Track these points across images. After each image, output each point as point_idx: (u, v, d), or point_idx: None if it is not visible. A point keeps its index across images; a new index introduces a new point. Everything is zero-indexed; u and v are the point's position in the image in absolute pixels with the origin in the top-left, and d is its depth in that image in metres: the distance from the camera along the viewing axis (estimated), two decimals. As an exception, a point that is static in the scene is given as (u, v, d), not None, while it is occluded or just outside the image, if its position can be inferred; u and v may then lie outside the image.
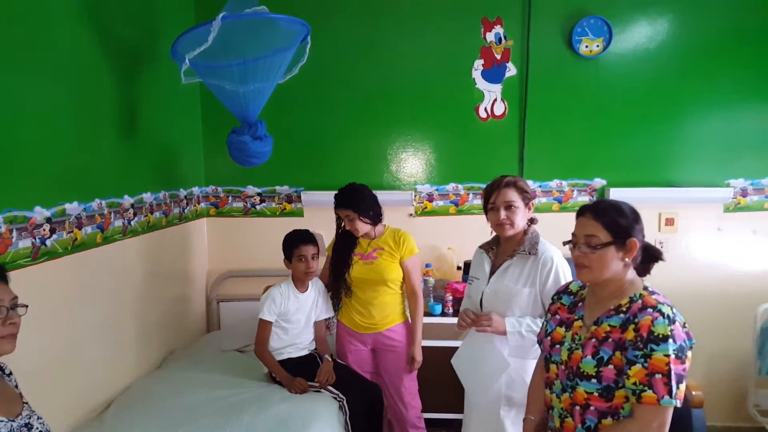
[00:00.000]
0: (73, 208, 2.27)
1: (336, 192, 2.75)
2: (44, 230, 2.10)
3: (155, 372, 2.89)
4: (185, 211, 3.34)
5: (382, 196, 2.86)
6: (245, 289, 3.60)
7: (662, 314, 1.44)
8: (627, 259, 1.55)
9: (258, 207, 3.67)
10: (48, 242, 2.13)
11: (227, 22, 2.28)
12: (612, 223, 1.55)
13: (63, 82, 2.22)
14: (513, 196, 2.16)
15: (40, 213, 2.08)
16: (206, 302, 3.64)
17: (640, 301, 1.50)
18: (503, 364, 2.14)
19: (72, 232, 2.26)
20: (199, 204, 3.57)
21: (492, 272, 2.26)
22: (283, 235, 2.81)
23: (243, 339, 3.16)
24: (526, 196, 2.19)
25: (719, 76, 3.43)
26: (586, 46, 3.40)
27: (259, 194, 3.66)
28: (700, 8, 3.39)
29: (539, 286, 2.13)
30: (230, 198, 3.67)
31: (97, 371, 2.47)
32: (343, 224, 2.78)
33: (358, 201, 2.68)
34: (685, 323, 1.48)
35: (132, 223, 2.72)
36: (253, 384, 2.68)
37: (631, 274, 1.58)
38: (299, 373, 2.65)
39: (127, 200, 2.68)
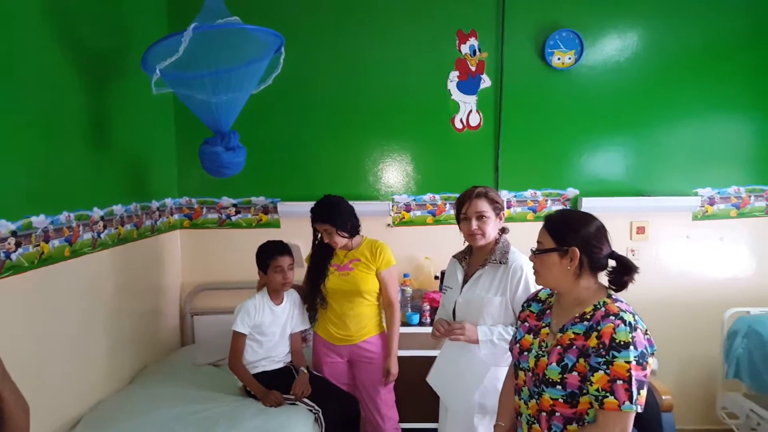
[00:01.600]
0: (39, 221, 2.23)
1: (313, 204, 2.75)
2: (9, 244, 2.07)
3: (127, 387, 2.84)
4: (158, 223, 3.31)
5: (359, 206, 2.87)
6: (220, 302, 3.56)
7: (624, 322, 1.47)
8: (570, 267, 1.59)
9: (233, 218, 3.65)
10: (13, 256, 2.09)
11: (199, 33, 2.27)
12: (556, 232, 1.62)
13: (29, 93, 2.19)
14: (484, 206, 2.20)
15: (5, 226, 2.05)
16: (180, 316, 3.59)
17: (603, 309, 1.53)
18: (482, 371, 2.17)
19: (39, 245, 2.23)
20: (172, 216, 3.54)
21: (465, 281, 2.29)
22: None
23: (217, 353, 3.13)
24: (497, 207, 2.23)
25: (688, 88, 3.52)
26: (559, 59, 3.46)
27: (234, 205, 3.64)
28: (669, 22, 3.48)
29: (510, 295, 2.16)
30: (204, 209, 3.64)
31: (65, 387, 2.42)
32: (320, 236, 2.78)
33: (335, 215, 2.68)
34: (647, 330, 1.51)
35: (102, 235, 2.68)
36: (227, 398, 2.66)
37: (589, 282, 1.61)
38: (274, 386, 2.63)
39: (97, 213, 2.65)
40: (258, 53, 2.57)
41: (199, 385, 2.80)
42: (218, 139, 2.69)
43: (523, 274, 2.15)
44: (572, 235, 1.60)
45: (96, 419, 2.44)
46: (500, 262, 2.19)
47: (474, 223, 2.19)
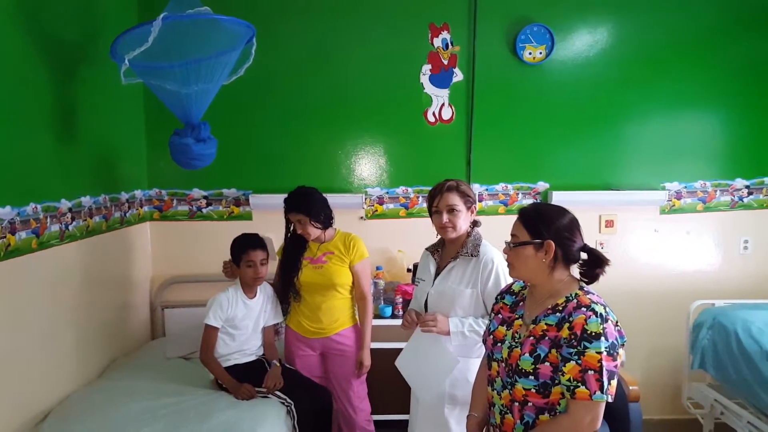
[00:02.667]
0: (5, 212, 2.17)
1: (285, 196, 2.73)
2: (-28, 236, 2.01)
3: (96, 381, 2.79)
4: (127, 215, 3.25)
5: (332, 199, 2.86)
6: (191, 295, 3.52)
7: (595, 313, 1.50)
8: (545, 260, 1.61)
9: (204, 210, 3.60)
10: (-23, 248, 2.03)
11: (169, 23, 2.23)
12: (531, 225, 1.64)
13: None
14: (455, 200, 2.22)
15: (-32, 218, 1.99)
16: (150, 309, 3.54)
17: (575, 301, 1.56)
18: (452, 362, 2.18)
19: (5, 237, 2.16)
20: (141, 208, 3.47)
21: (437, 273, 2.31)
22: (231, 239, 2.78)
23: (188, 346, 3.09)
24: (468, 200, 2.24)
25: (656, 84, 3.58)
26: (530, 53, 3.49)
27: (205, 197, 3.59)
28: (638, 18, 3.53)
29: (481, 287, 2.19)
30: (175, 201, 3.58)
31: (32, 381, 2.36)
32: (293, 228, 2.77)
33: (309, 205, 2.68)
34: (617, 322, 1.54)
35: (70, 227, 2.62)
36: (199, 391, 2.63)
37: (563, 275, 1.64)
38: (246, 379, 2.62)
39: (65, 204, 2.58)
40: (229, 44, 2.54)
41: (169, 379, 2.77)
42: (189, 131, 2.65)
43: (494, 266, 2.18)
44: (547, 228, 1.62)
45: (64, 413, 2.39)
46: (472, 255, 2.21)
47: (445, 217, 2.21)
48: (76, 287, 2.70)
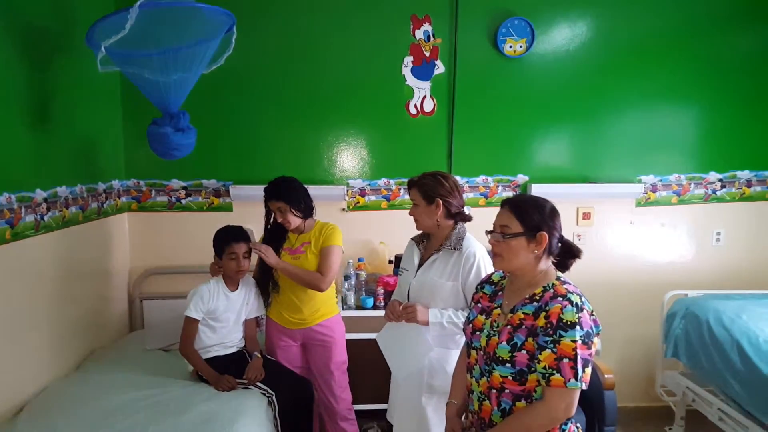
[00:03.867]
0: (-22, 202, 2.14)
1: (265, 186, 2.72)
2: (-55, 226, 1.97)
3: (73, 374, 2.76)
4: (104, 205, 3.20)
5: (314, 190, 2.86)
6: (170, 287, 3.50)
7: (571, 302, 1.53)
8: (536, 252, 1.63)
9: (183, 201, 3.57)
10: (-50, 238, 1.99)
11: (147, 10, 2.20)
12: (524, 216, 1.64)
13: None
14: (414, 194, 2.29)
15: (-60, 207, 1.95)
16: (129, 300, 3.51)
17: (551, 290, 1.59)
18: (427, 348, 2.22)
19: (-23, 227, 2.13)
20: (119, 198, 3.43)
21: (420, 264, 2.33)
22: (211, 230, 2.77)
23: (168, 337, 3.07)
24: (429, 195, 2.24)
25: (632, 79, 3.63)
26: (510, 47, 3.52)
27: (184, 188, 3.56)
28: (617, 13, 3.58)
29: (462, 280, 2.21)
30: (153, 192, 3.55)
31: (7, 373, 2.33)
32: (272, 219, 2.76)
33: (289, 192, 2.68)
34: (593, 311, 1.57)
35: (45, 218, 2.58)
36: (179, 383, 2.62)
37: (545, 265, 1.67)
38: (227, 371, 2.62)
39: (40, 194, 2.54)
40: (209, 33, 2.50)
41: (148, 371, 2.75)
42: (167, 120, 2.62)
43: (476, 260, 2.20)
44: (541, 220, 1.63)
45: (41, 406, 2.36)
46: (455, 248, 2.23)
47: (410, 210, 2.30)
48: (51, 279, 2.66)
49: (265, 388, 2.58)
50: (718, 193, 3.77)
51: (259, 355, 2.73)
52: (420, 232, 2.43)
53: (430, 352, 2.22)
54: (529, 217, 1.64)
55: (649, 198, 3.74)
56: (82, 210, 2.94)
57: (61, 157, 2.77)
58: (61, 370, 2.74)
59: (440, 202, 2.23)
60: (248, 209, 3.37)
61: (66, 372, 2.77)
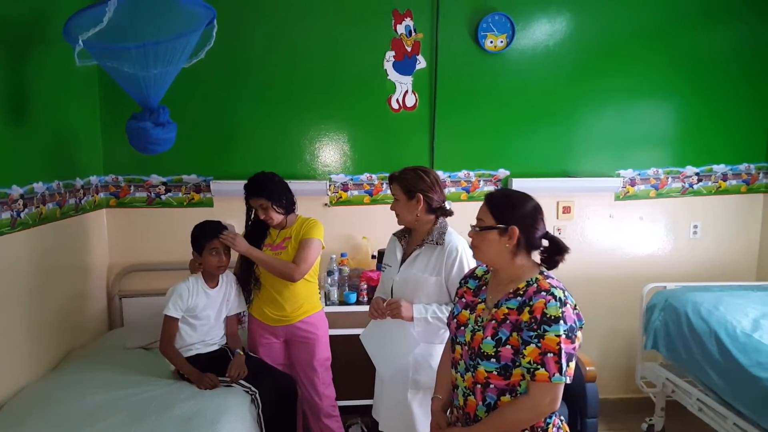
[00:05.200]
0: (-49, 199, 2.08)
1: (246, 182, 2.70)
2: None
3: (51, 374, 2.70)
4: (82, 201, 3.15)
5: (296, 185, 2.85)
6: (150, 284, 3.45)
7: (554, 297, 1.54)
8: (508, 245, 1.64)
9: (163, 197, 3.52)
10: None
11: (125, 3, 2.16)
12: (497, 211, 1.68)
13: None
14: (394, 189, 2.30)
15: None
16: (107, 298, 3.45)
17: (535, 285, 1.60)
18: (412, 344, 2.22)
19: (-49, 225, 2.08)
20: (97, 194, 3.37)
21: (403, 260, 2.33)
22: (191, 225, 2.73)
23: (148, 336, 3.03)
24: (410, 190, 2.25)
25: (612, 74, 3.67)
26: (491, 42, 3.52)
27: (164, 183, 3.51)
28: (596, 9, 3.61)
29: (445, 275, 2.22)
30: (132, 187, 3.49)
31: (-18, 375, 2.29)
32: (253, 215, 2.74)
33: (270, 189, 2.66)
34: (576, 305, 1.59)
35: (22, 215, 2.52)
36: (160, 382, 2.58)
37: (524, 260, 1.68)
38: (209, 369, 2.59)
39: (16, 190, 2.48)
40: (189, 26, 2.47)
41: (129, 369, 2.71)
42: (147, 114, 2.58)
43: (458, 254, 2.21)
44: (512, 215, 1.65)
45: (18, 408, 2.31)
46: (437, 243, 2.24)
47: (391, 205, 2.31)
48: (28, 276, 2.61)
49: (248, 385, 2.57)
50: (695, 186, 3.83)
51: (242, 353, 2.70)
52: (401, 227, 2.43)
53: (415, 348, 2.23)
54: (502, 211, 1.67)
55: (628, 192, 3.78)
56: (60, 206, 2.88)
57: (38, 152, 2.71)
58: (38, 370, 2.68)
59: (421, 197, 2.23)
60: (229, 204, 3.33)
61: (43, 372, 2.72)
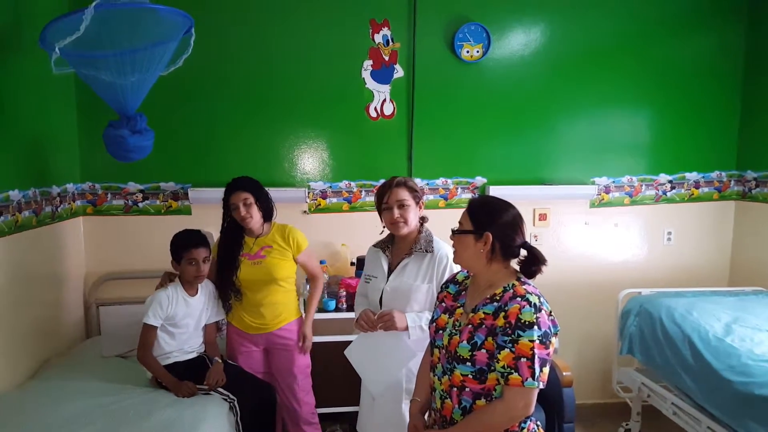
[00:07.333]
0: (-76, 207, 2.05)
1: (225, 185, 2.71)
2: None
3: (27, 383, 2.67)
4: (58, 209, 3.12)
5: (275, 192, 2.87)
6: (127, 292, 3.41)
7: (529, 303, 1.57)
8: (483, 251, 1.68)
9: (140, 205, 3.49)
10: None
11: (102, 11, 2.16)
12: (476, 216, 1.73)
13: None
14: (404, 194, 2.27)
15: None
16: (84, 307, 3.41)
17: (511, 291, 1.63)
18: (408, 354, 2.22)
19: (-77, 233, 2.05)
20: (74, 202, 3.34)
21: (390, 270, 2.34)
22: (169, 233, 2.72)
23: (126, 344, 3.00)
24: (416, 195, 2.30)
25: (587, 84, 3.74)
26: (467, 52, 3.58)
27: (141, 191, 3.48)
28: (570, 19, 3.68)
29: (436, 282, 2.25)
30: (109, 195, 3.46)
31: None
32: (229, 220, 2.72)
33: (255, 185, 2.69)
34: (551, 311, 1.62)
35: (-4, 223, 2.50)
36: (137, 390, 2.57)
37: (500, 266, 1.71)
38: (188, 377, 2.58)
39: (-9, 199, 2.47)
40: (166, 34, 2.48)
41: (106, 378, 2.69)
42: (124, 122, 2.58)
43: (448, 261, 2.24)
44: (489, 222, 1.69)
45: (-7, 417, 2.28)
46: (426, 251, 2.27)
47: (396, 212, 2.25)
48: (4, 285, 2.57)
49: (227, 393, 2.56)
50: (668, 194, 3.91)
51: (220, 360, 2.69)
52: (381, 238, 2.44)
53: (411, 360, 2.22)
54: (480, 217, 1.72)
55: (603, 199, 3.85)
56: (36, 214, 2.85)
57: (14, 159, 2.69)
58: (14, 379, 2.65)
59: (423, 203, 2.33)
60: (207, 212, 3.32)
61: (20, 381, 2.68)
